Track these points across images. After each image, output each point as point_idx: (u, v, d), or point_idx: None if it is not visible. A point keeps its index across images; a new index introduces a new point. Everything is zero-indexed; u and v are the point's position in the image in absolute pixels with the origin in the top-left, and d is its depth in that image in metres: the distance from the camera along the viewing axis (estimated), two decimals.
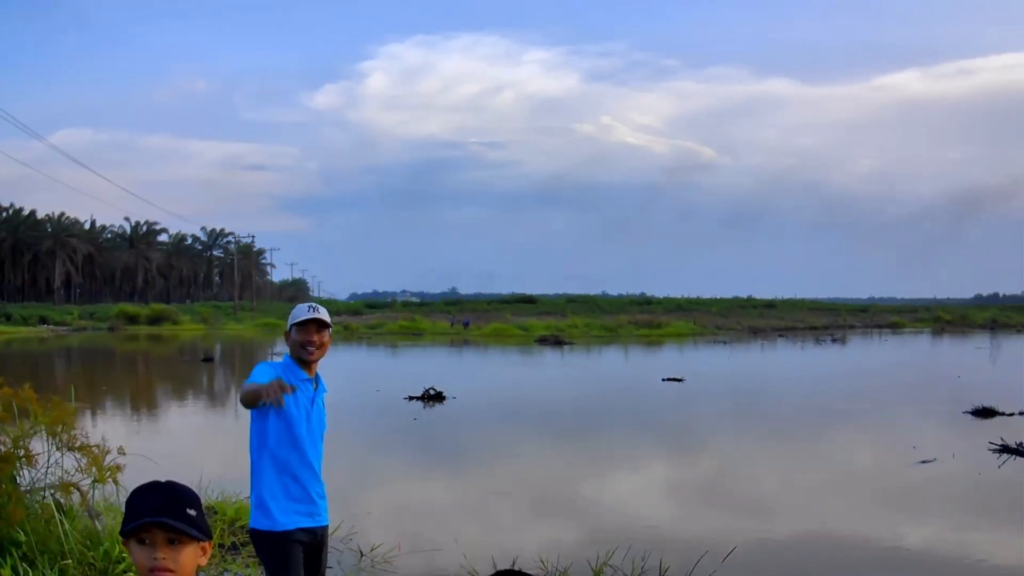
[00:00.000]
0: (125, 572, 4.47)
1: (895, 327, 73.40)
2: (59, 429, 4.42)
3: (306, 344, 3.42)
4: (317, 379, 3.54)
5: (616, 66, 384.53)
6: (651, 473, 11.11)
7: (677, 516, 8.54)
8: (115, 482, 4.60)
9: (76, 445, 4.47)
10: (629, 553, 6.42)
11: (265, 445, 3.30)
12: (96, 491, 4.84)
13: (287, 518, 3.24)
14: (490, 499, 9.33)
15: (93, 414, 15.31)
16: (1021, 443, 11.45)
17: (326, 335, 3.47)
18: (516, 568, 6.01)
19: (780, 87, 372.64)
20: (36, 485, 4.55)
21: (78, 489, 4.65)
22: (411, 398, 17.36)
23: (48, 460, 4.59)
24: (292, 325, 3.45)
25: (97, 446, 4.48)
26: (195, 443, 12.74)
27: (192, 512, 1.71)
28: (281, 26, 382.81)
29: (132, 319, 65.11)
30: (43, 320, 63.72)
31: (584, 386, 22.24)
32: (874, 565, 6.83)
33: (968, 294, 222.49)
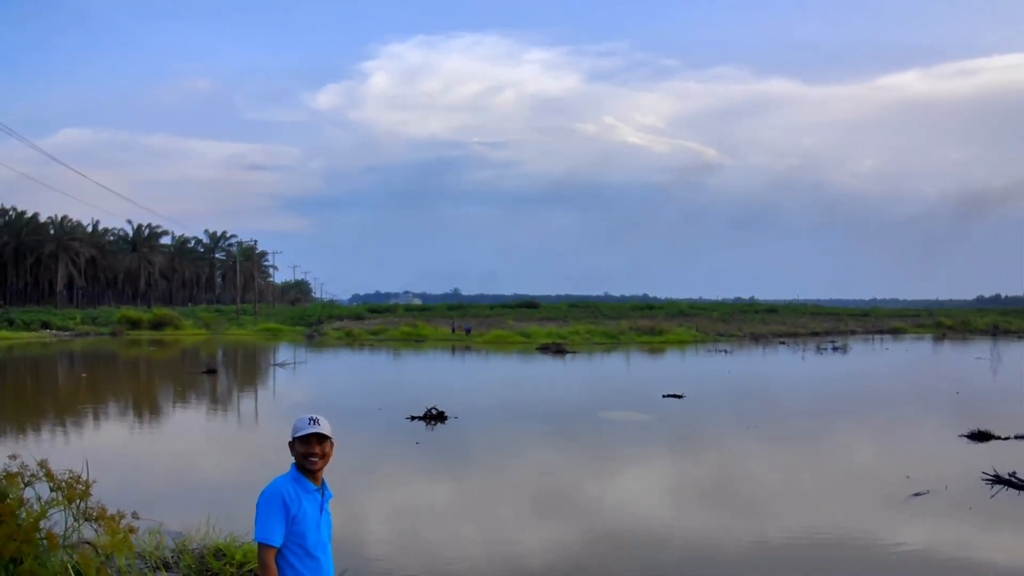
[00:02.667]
0: None
1: (896, 333, 73.54)
2: (77, 503, 4.62)
3: (308, 456, 3.64)
4: (323, 486, 3.72)
5: (617, 66, 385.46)
6: (646, 497, 11.26)
7: (655, 558, 8.71)
8: (129, 546, 4.79)
9: (93, 516, 4.67)
10: None
11: (282, 554, 3.52)
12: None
13: None
14: (496, 533, 9.49)
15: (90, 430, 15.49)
16: (1013, 473, 11.61)
17: (328, 446, 3.68)
18: None
19: (781, 87, 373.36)
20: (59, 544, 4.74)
21: (96, 551, 4.83)
22: (413, 418, 17.55)
23: (66, 527, 4.78)
24: (295, 438, 3.63)
25: (113, 516, 4.68)
26: (200, 477, 12.78)
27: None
28: (282, 26, 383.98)
29: (135, 324, 65.24)
30: (45, 325, 63.91)
31: (586, 402, 22.35)
32: None
33: (970, 295, 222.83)
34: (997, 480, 11.58)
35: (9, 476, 4.68)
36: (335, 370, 36.26)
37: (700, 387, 24.87)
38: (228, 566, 6.85)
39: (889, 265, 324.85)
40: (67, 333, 61.79)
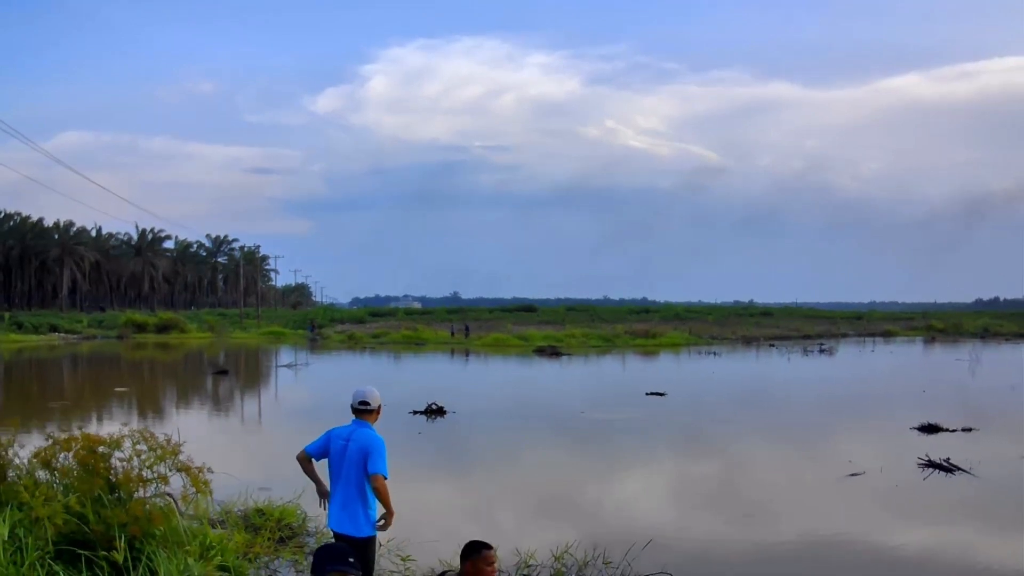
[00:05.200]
0: (214, 556, 6.30)
1: (888, 335, 75.07)
2: (169, 457, 6.21)
3: None
4: None
5: (618, 69, 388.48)
6: (621, 480, 12.84)
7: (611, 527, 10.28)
8: (209, 491, 6.43)
9: (181, 467, 6.25)
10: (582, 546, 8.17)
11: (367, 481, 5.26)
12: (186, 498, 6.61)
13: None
14: (489, 507, 11.09)
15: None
16: (947, 459, 13.17)
17: None
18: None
19: (783, 90, 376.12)
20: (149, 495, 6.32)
21: (172, 498, 6.42)
22: (415, 412, 19.14)
23: (156, 476, 6.35)
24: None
25: (199, 468, 6.27)
26: (230, 459, 14.40)
27: (351, 560, 3.41)
28: (282, 29, 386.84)
29: (140, 327, 66.67)
30: (53, 328, 65.42)
31: (574, 400, 23.90)
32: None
33: (969, 298, 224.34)
34: (930, 464, 13.14)
35: (118, 439, 6.25)
36: (339, 371, 37.80)
37: (683, 387, 26.46)
38: (268, 521, 8.45)
39: (888, 268, 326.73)
40: (74, 336, 63.25)
